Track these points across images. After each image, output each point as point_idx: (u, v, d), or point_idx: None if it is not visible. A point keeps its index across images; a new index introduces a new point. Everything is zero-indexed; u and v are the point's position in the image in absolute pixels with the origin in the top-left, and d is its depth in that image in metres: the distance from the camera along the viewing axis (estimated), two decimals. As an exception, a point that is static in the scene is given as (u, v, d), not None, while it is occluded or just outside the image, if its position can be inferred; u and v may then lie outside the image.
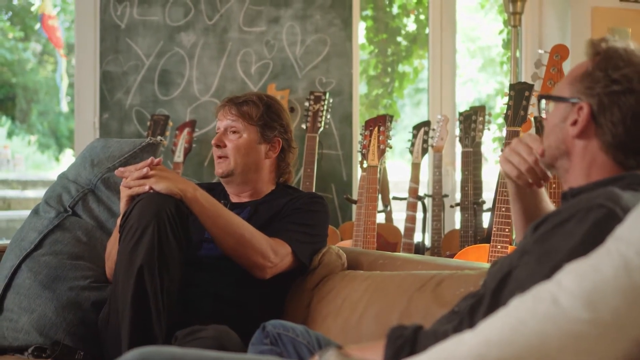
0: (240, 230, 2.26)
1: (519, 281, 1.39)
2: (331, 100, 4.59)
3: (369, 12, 6.50)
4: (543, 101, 1.65)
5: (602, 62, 1.52)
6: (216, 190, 2.55)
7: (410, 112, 10.57)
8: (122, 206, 2.24)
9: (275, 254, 2.29)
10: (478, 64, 10.93)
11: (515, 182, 1.73)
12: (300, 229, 2.39)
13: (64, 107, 9.46)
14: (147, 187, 2.18)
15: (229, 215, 2.28)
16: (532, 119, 3.00)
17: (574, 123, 1.52)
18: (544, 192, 1.79)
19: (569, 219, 1.38)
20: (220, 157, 2.47)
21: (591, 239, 1.33)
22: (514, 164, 1.70)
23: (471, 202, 4.26)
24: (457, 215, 4.72)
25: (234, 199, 2.52)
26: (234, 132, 2.46)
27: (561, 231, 1.38)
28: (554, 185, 2.81)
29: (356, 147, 4.84)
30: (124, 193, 2.23)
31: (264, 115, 2.47)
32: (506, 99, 3.14)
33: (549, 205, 1.79)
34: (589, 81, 1.51)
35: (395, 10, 6.61)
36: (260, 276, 2.30)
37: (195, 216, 2.25)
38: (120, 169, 2.28)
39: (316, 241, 2.44)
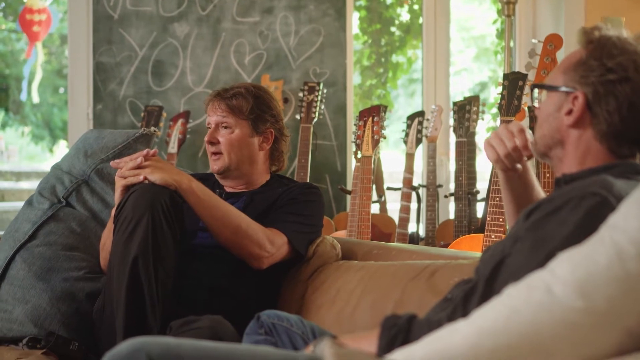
0: (236, 221, 2.26)
1: (513, 269, 1.39)
2: (325, 91, 4.58)
3: (362, 2, 6.49)
4: (536, 91, 1.65)
5: (596, 50, 1.51)
6: (210, 180, 2.55)
7: (404, 103, 10.57)
8: (116, 196, 2.24)
9: (271, 244, 2.29)
10: (472, 53, 10.93)
11: (496, 166, 1.76)
12: (296, 219, 2.39)
13: (35, 99, 9.52)
14: (141, 177, 2.18)
15: (224, 206, 2.28)
16: (526, 108, 3.00)
17: (569, 112, 1.52)
18: (534, 180, 1.79)
19: (563, 207, 1.39)
20: (214, 154, 2.47)
21: (584, 227, 1.33)
22: (494, 148, 1.72)
23: (465, 192, 4.26)
24: (451, 205, 4.72)
25: (228, 189, 2.52)
26: (226, 127, 2.45)
27: (554, 219, 1.39)
28: (547, 175, 2.82)
29: (350, 137, 4.83)
30: (119, 183, 2.23)
31: (254, 108, 2.45)
32: (500, 88, 3.14)
33: (540, 194, 1.80)
34: (584, 70, 1.51)
35: (388, 0, 6.61)
36: (256, 266, 2.30)
37: (186, 204, 2.25)
38: (116, 160, 2.27)
39: (312, 231, 2.45)
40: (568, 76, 1.53)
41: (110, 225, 2.28)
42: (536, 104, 1.62)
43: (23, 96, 9.44)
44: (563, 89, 1.53)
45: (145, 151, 2.24)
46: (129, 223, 2.09)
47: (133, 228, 2.08)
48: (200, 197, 2.24)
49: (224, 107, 2.45)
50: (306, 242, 2.41)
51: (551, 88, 1.56)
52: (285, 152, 2.57)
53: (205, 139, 2.47)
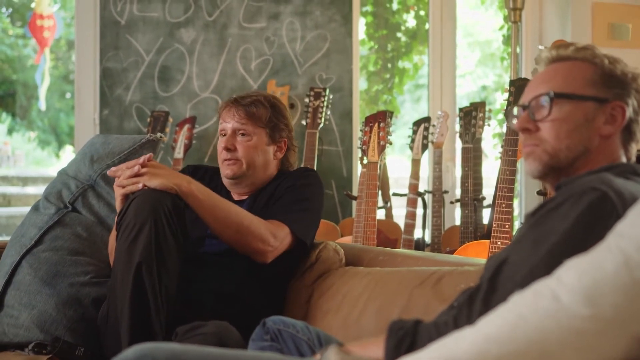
0: (238, 219, 2.26)
1: (515, 265, 1.40)
2: (331, 97, 4.59)
3: (369, 8, 6.50)
4: (544, 100, 1.61)
5: (609, 62, 1.56)
6: (217, 179, 2.54)
7: (410, 108, 10.57)
8: (117, 205, 2.23)
9: (274, 237, 2.29)
10: (476, 57, 10.93)
11: None
12: (295, 206, 2.38)
13: (42, 106, 9.55)
14: (140, 185, 2.17)
15: (225, 204, 2.27)
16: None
17: (609, 122, 1.54)
18: None
19: (563, 203, 1.40)
20: (228, 160, 2.45)
21: (585, 221, 1.35)
22: None
23: (471, 198, 4.26)
24: (457, 212, 4.72)
25: (235, 196, 2.52)
26: (244, 134, 2.45)
27: (555, 214, 1.40)
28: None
29: (356, 143, 4.84)
30: (118, 192, 2.22)
31: (272, 117, 2.46)
32: (506, 95, 3.14)
33: None
34: (615, 81, 1.55)
35: (395, 6, 6.61)
36: (261, 261, 2.30)
37: (194, 212, 2.25)
38: (113, 168, 2.26)
39: (313, 216, 2.43)
40: (596, 88, 1.55)
41: (115, 231, 2.29)
42: (540, 115, 1.57)
43: (42, 105, 9.45)
44: (595, 99, 1.54)
45: (141, 158, 2.23)
46: (131, 229, 2.09)
47: (136, 234, 2.08)
48: (200, 199, 2.23)
49: (242, 114, 2.44)
50: (308, 228, 2.41)
51: (585, 98, 1.55)
52: (293, 163, 2.58)
53: (222, 144, 2.45)
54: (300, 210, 2.38)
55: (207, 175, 2.56)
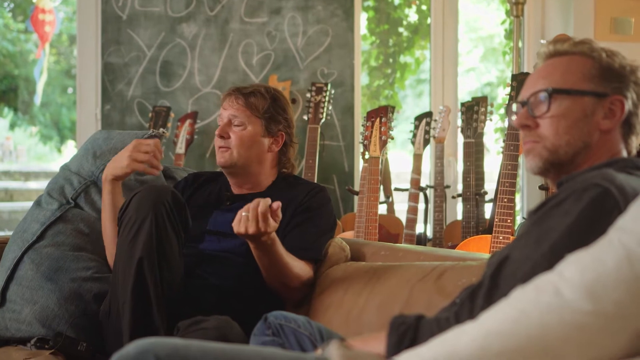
0: (288, 279, 2.28)
1: (518, 262, 1.40)
2: (333, 91, 4.58)
3: (370, 3, 6.49)
4: (542, 96, 1.60)
5: (607, 57, 1.55)
6: (218, 180, 2.55)
7: (412, 103, 10.56)
8: (123, 173, 2.32)
9: (309, 280, 2.35)
10: (479, 52, 10.91)
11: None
12: (314, 236, 2.40)
13: (38, 100, 9.57)
14: (156, 172, 2.25)
15: (285, 261, 2.27)
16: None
17: (608, 117, 1.54)
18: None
19: (566, 199, 1.40)
20: (222, 147, 2.44)
21: (587, 216, 1.35)
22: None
23: (473, 193, 4.26)
24: (459, 206, 4.72)
25: (235, 190, 2.52)
26: (238, 124, 2.44)
27: (558, 211, 1.40)
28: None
29: (358, 138, 4.83)
30: (134, 167, 2.29)
31: (270, 108, 2.45)
32: (508, 89, 3.13)
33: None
34: (613, 75, 1.54)
35: (396, 0, 6.61)
36: (292, 299, 2.36)
37: (196, 208, 2.25)
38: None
39: (329, 236, 2.47)
40: (594, 82, 1.54)
41: (105, 216, 2.36)
42: (539, 111, 1.57)
43: (37, 99, 9.47)
44: (594, 94, 1.53)
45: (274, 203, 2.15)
46: (132, 225, 2.10)
47: (137, 230, 2.09)
48: (269, 254, 2.23)
49: (241, 103, 2.44)
50: (324, 248, 2.45)
51: (583, 93, 1.55)
52: (293, 160, 2.57)
53: (217, 132, 2.44)
54: (319, 236, 2.41)
55: (207, 180, 2.57)
